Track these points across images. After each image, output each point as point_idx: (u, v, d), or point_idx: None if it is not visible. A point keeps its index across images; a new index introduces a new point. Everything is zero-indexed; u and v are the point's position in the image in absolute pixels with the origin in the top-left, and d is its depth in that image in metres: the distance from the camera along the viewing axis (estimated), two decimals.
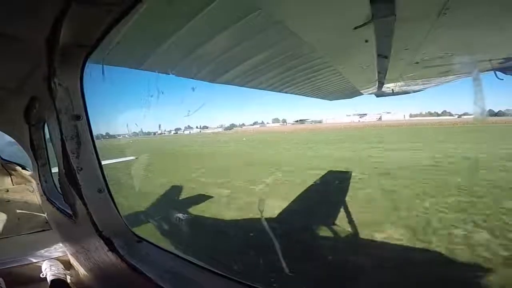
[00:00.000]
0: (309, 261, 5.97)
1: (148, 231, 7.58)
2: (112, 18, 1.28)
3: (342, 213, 8.44)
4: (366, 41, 3.03)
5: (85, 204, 1.82)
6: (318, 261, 6.05)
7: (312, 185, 12.80)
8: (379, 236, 7.03)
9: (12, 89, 2.29)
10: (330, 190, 12.60)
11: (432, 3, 2.33)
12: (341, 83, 6.34)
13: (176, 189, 13.12)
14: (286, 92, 6.14)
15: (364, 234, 7.15)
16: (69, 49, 1.48)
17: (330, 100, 9.63)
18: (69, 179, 1.80)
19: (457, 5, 2.27)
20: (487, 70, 5.02)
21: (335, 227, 7.51)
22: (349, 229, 7.47)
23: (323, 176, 14.56)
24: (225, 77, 4.17)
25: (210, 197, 11.67)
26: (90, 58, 1.57)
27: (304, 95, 7.18)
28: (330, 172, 15.25)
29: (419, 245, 6.63)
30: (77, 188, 1.79)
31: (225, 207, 10.50)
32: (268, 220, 8.03)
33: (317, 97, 8.18)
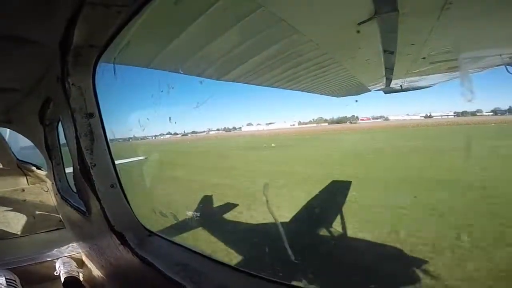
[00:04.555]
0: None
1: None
2: (122, 19, 1.33)
3: None
4: (370, 36, 3.04)
5: (98, 199, 1.88)
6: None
7: None
8: None
9: (27, 90, 2.39)
10: None
11: None
12: (347, 80, 6.30)
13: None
14: (291, 89, 6.15)
15: None
16: (82, 50, 1.54)
17: (337, 96, 9.58)
18: (83, 175, 1.86)
19: None
20: (498, 65, 4.92)
21: None
22: None
23: None
24: (232, 74, 4.21)
25: None
26: (101, 58, 1.63)
27: (310, 92, 7.18)
28: None
29: None
30: (91, 184, 1.85)
31: None
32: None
33: (323, 94, 8.15)
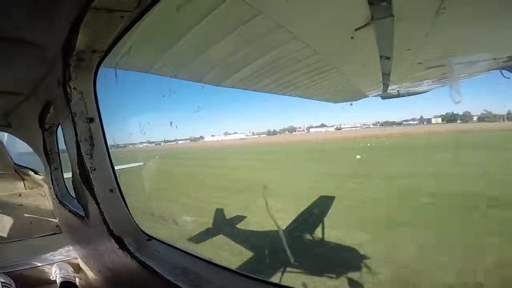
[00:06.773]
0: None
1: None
2: (124, 24, 1.35)
3: None
4: (367, 42, 3.08)
5: (97, 204, 1.87)
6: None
7: None
8: None
9: (27, 94, 2.39)
10: None
11: (428, 2, 2.35)
12: (345, 85, 6.35)
13: None
14: (290, 95, 6.18)
15: None
16: (84, 54, 1.56)
17: (335, 102, 9.63)
18: (83, 179, 1.86)
19: (453, 3, 2.29)
20: (494, 69, 4.97)
21: None
22: None
23: None
24: (231, 80, 4.23)
25: None
26: (103, 63, 1.65)
27: (308, 98, 7.22)
28: None
29: None
30: (90, 188, 1.85)
31: None
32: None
33: (321, 100, 8.20)
